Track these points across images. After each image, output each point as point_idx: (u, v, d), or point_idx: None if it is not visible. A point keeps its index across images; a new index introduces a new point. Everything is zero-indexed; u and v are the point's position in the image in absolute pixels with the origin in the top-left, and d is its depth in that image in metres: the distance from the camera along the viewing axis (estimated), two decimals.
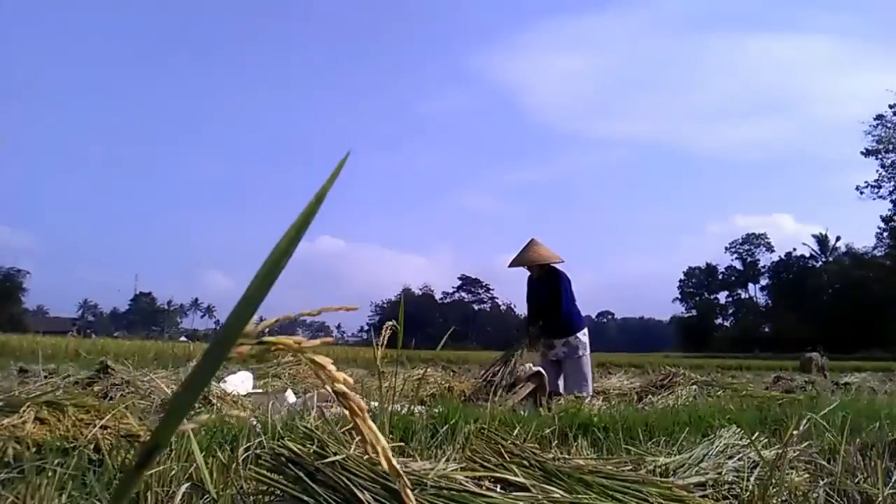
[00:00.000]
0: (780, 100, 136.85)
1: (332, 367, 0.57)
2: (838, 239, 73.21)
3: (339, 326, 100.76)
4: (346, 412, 0.58)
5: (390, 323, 2.21)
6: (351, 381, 0.58)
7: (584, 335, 5.80)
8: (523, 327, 6.25)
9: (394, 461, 0.60)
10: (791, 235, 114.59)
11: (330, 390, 0.57)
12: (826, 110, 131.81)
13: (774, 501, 2.02)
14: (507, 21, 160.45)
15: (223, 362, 0.45)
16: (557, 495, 1.63)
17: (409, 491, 0.63)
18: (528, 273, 6.10)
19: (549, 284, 5.85)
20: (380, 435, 0.59)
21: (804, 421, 2.69)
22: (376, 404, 2.45)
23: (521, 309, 6.39)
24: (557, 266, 5.99)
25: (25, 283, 67.15)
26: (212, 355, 0.44)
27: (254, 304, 0.43)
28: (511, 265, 6.03)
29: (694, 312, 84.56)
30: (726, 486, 2.12)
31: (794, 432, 2.15)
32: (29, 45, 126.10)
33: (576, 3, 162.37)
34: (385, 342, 2.16)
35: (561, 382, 5.69)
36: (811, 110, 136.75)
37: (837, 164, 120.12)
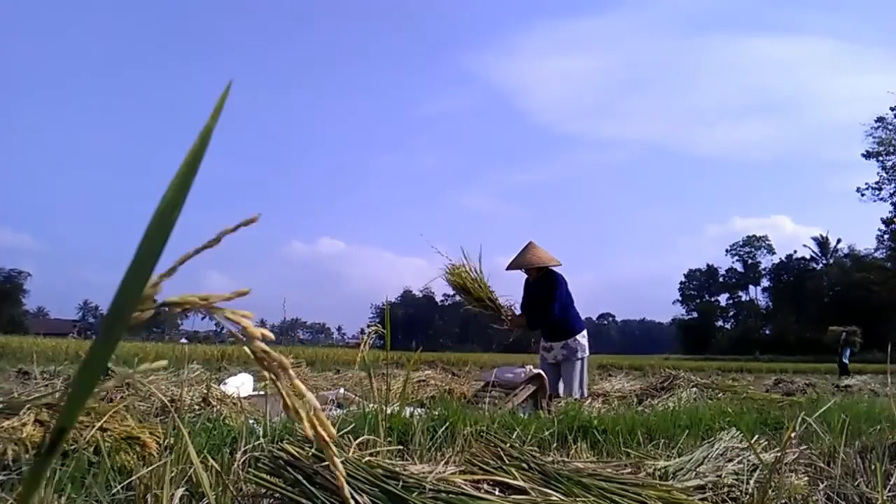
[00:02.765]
0: (781, 101, 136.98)
1: (248, 323, 0.52)
2: (839, 241, 73.26)
3: (339, 328, 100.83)
4: (267, 373, 0.53)
5: (374, 326, 2.23)
6: (271, 335, 0.53)
7: (583, 337, 5.79)
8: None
9: (319, 427, 0.55)
10: (790, 237, 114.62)
11: (249, 351, 0.52)
12: (826, 112, 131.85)
13: None
14: (506, 22, 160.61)
15: (125, 332, 0.42)
16: (556, 498, 1.63)
17: (335, 458, 0.58)
18: (526, 276, 6.10)
19: (545, 287, 5.84)
20: (309, 395, 0.53)
21: (803, 424, 2.69)
22: (374, 406, 2.44)
23: (520, 310, 6.37)
24: (555, 269, 5.98)
25: (26, 285, 67.13)
26: (109, 325, 0.41)
27: (147, 266, 0.40)
28: (508, 268, 6.03)
29: (694, 314, 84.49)
30: (726, 489, 2.12)
31: (792, 435, 2.15)
32: (29, 46, 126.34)
33: (576, 4, 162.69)
34: (368, 346, 2.17)
35: (560, 385, 5.69)
36: (811, 112, 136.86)
37: (838, 166, 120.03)
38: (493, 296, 5.71)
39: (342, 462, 1.54)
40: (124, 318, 0.41)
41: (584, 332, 5.85)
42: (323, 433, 0.55)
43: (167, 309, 0.51)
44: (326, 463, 1.54)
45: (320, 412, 0.55)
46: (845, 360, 17.80)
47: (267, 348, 0.53)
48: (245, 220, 0.52)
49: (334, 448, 0.55)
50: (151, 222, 0.40)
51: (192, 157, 0.41)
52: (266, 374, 0.53)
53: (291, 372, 0.54)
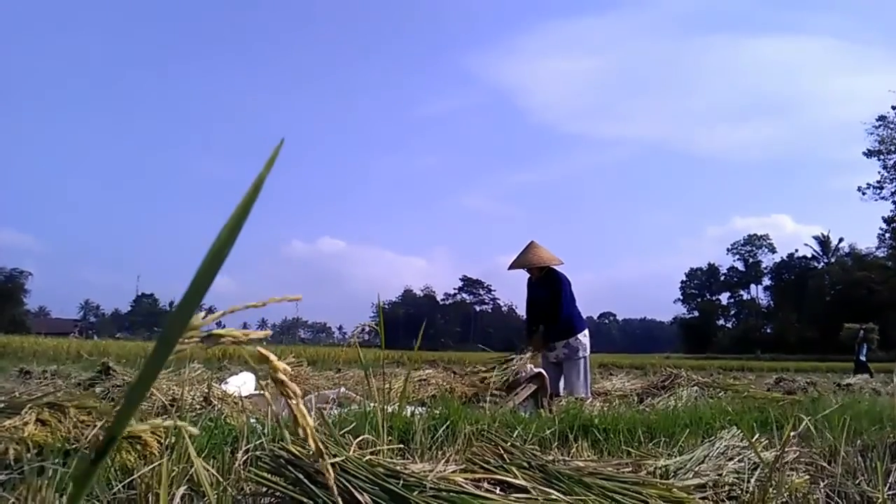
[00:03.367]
0: (782, 101, 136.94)
1: (273, 357, 0.62)
2: (840, 240, 73.23)
3: (340, 328, 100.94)
4: (284, 398, 0.66)
5: (365, 323, 2.24)
6: (290, 370, 0.64)
7: (584, 337, 5.80)
8: (524, 331, 6.25)
9: (318, 441, 0.66)
10: (791, 237, 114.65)
11: (273, 379, 0.64)
12: (827, 112, 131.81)
13: (775, 503, 2.02)
14: (506, 22, 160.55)
15: (171, 355, 0.47)
16: (557, 497, 1.63)
17: (330, 469, 0.71)
18: (528, 275, 6.10)
19: (548, 286, 5.85)
20: (308, 417, 0.65)
21: (804, 422, 2.68)
22: (374, 405, 2.45)
23: (523, 310, 6.38)
24: (557, 268, 5.98)
25: (27, 285, 67.17)
26: (160, 348, 0.45)
27: (198, 296, 0.44)
28: (511, 267, 6.03)
29: (696, 313, 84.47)
30: (726, 488, 2.12)
31: (792, 434, 2.15)
32: (29, 48, 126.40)
33: (576, 4, 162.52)
34: (357, 341, 2.19)
35: (562, 384, 5.69)
36: (813, 112, 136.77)
37: (839, 165, 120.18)
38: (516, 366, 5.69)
39: (342, 461, 1.54)
40: (174, 341, 0.46)
41: (586, 332, 5.85)
42: (321, 448, 0.74)
43: (211, 339, 0.59)
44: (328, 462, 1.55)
45: (313, 429, 0.69)
46: (863, 358, 17.39)
47: (285, 379, 0.64)
48: (291, 297, 0.68)
49: (328, 463, 0.68)
50: (205, 260, 0.44)
51: (245, 204, 0.45)
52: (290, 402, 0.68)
53: (300, 398, 0.66)
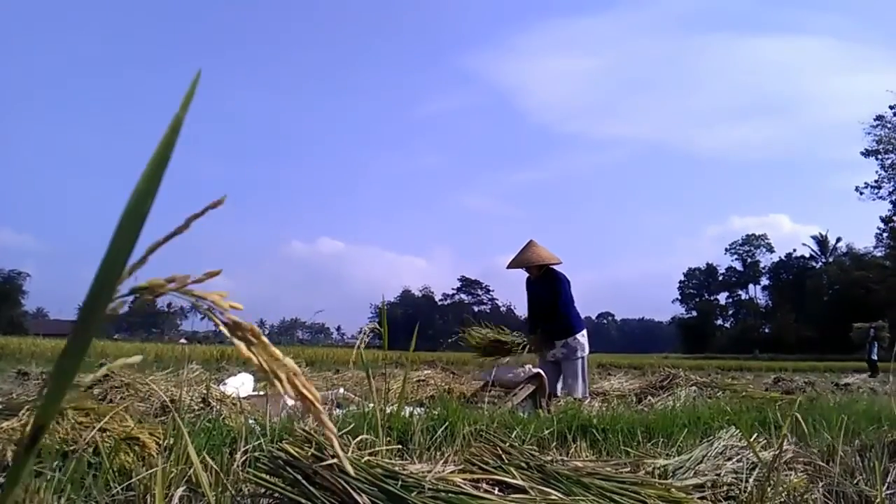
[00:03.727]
0: (780, 101, 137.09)
1: (216, 297, 0.52)
2: (838, 240, 73.34)
3: (339, 328, 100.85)
4: (241, 344, 0.53)
5: (370, 325, 2.25)
6: (239, 306, 0.53)
7: (582, 336, 5.80)
8: (524, 330, 6.25)
9: (303, 388, 0.54)
10: (788, 236, 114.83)
11: (221, 323, 0.52)
12: (825, 111, 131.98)
13: (773, 503, 2.02)
14: (505, 22, 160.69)
15: (100, 325, 0.42)
16: (555, 497, 1.63)
17: (323, 417, 0.57)
18: (527, 274, 6.10)
19: (547, 286, 5.85)
20: (287, 360, 0.53)
21: (802, 422, 2.69)
22: (373, 405, 2.45)
23: (521, 310, 6.40)
24: (556, 267, 5.99)
25: (25, 286, 67.08)
26: (85, 318, 0.41)
27: (121, 258, 0.40)
28: (509, 266, 6.03)
29: (694, 313, 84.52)
30: (725, 488, 2.13)
31: (790, 433, 2.15)
32: (29, 47, 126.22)
33: (575, 3, 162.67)
34: (365, 344, 2.19)
35: (560, 384, 5.69)
36: (810, 111, 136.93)
37: (837, 165, 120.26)
38: (515, 336, 5.87)
39: (340, 462, 1.54)
40: (100, 310, 0.41)
41: (584, 332, 5.85)
42: (308, 394, 0.54)
43: (142, 297, 0.50)
44: (325, 462, 1.55)
45: (301, 375, 0.54)
46: (874, 357, 17.01)
47: (238, 319, 0.52)
48: (212, 203, 0.52)
49: (321, 407, 0.54)
50: (124, 215, 0.40)
51: (164, 147, 0.41)
52: (241, 345, 0.52)
53: (265, 338, 0.53)
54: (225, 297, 0.52)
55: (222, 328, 0.52)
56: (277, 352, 0.53)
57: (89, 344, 0.42)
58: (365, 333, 2.22)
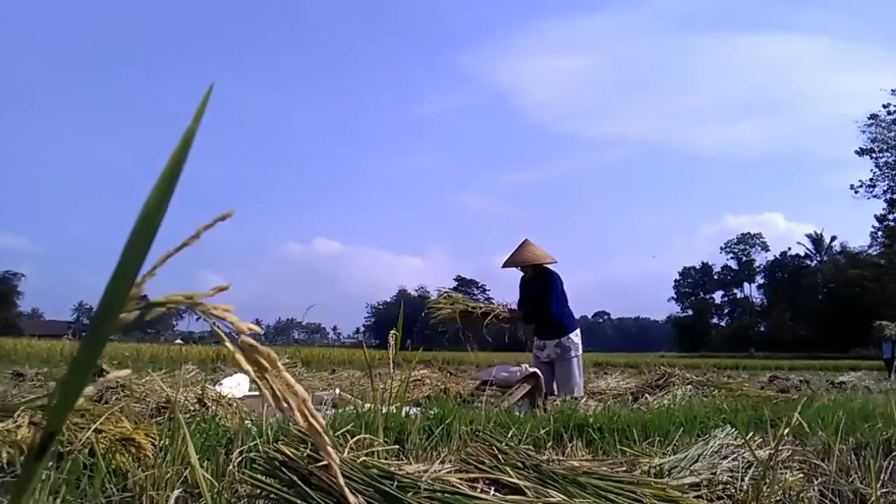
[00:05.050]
0: (774, 99, 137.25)
1: (234, 318, 0.51)
2: (833, 238, 73.64)
3: (335, 328, 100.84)
4: (250, 367, 0.53)
5: (393, 332, 2.28)
6: (258, 329, 0.53)
7: (576, 336, 5.81)
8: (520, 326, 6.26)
9: (310, 417, 0.54)
10: (783, 235, 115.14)
11: (231, 347, 0.52)
12: (819, 110, 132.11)
13: (768, 501, 2.03)
14: (501, 22, 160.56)
15: (111, 333, 0.42)
16: (552, 497, 1.64)
17: (328, 448, 0.58)
18: (522, 273, 6.11)
19: (541, 285, 5.86)
20: (298, 387, 0.53)
21: (798, 420, 2.70)
22: (370, 405, 2.45)
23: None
24: (550, 266, 5.99)
25: (20, 287, 66.96)
26: (97, 326, 0.41)
27: (133, 267, 0.41)
28: (504, 265, 6.04)
29: (689, 312, 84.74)
30: (720, 487, 2.13)
31: (786, 432, 2.16)
32: (26, 50, 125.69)
33: (570, 3, 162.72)
34: (353, 342, 2.23)
35: (555, 384, 5.70)
36: (804, 110, 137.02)
37: (831, 163, 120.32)
38: (484, 306, 5.90)
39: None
40: (111, 319, 0.41)
41: (578, 331, 5.86)
42: (314, 423, 0.55)
43: (153, 309, 0.50)
44: (321, 463, 1.55)
45: (310, 403, 0.55)
46: (889, 356, 16.62)
47: (254, 342, 0.53)
48: (221, 216, 0.52)
49: (326, 437, 0.55)
50: (136, 224, 0.40)
51: (176, 160, 0.41)
52: (250, 369, 0.53)
53: (280, 364, 0.54)
54: (230, 309, 0.52)
55: (236, 351, 0.52)
56: (291, 378, 0.54)
57: (101, 352, 0.43)
58: (393, 336, 2.25)
